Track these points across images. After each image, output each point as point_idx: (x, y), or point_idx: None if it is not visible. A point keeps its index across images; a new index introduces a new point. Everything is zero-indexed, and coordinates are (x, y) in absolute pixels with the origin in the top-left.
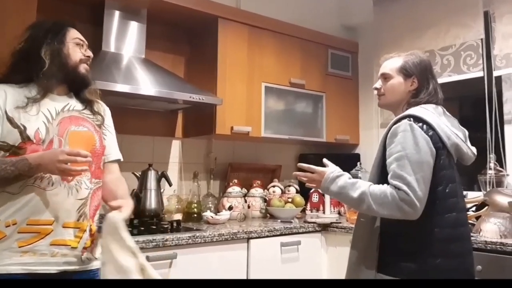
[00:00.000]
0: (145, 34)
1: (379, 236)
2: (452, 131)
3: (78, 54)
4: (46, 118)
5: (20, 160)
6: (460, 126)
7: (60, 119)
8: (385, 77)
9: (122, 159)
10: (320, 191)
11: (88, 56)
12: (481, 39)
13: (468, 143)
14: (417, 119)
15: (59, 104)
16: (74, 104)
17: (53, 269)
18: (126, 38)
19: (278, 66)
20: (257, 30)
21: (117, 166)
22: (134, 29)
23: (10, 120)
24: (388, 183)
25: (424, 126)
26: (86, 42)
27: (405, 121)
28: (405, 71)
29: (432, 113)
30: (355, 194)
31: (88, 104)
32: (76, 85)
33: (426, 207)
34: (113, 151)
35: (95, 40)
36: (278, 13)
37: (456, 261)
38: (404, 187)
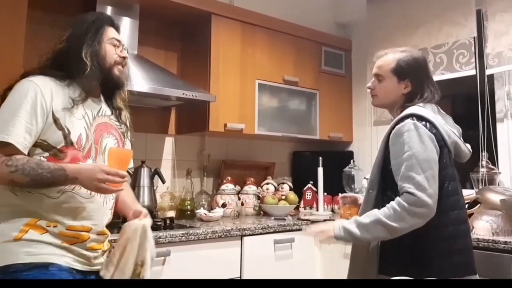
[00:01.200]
0: (138, 30)
1: None
2: (449, 129)
3: (113, 56)
4: (86, 123)
5: (58, 169)
6: (454, 124)
7: (96, 125)
8: (378, 78)
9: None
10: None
11: (124, 57)
12: (474, 38)
13: (462, 140)
14: (419, 118)
15: (94, 109)
16: (105, 108)
17: (87, 268)
18: (119, 34)
19: (272, 63)
20: (251, 26)
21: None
22: (127, 24)
23: (56, 120)
24: (389, 181)
25: (428, 125)
26: (123, 42)
27: (409, 120)
28: (398, 73)
29: (430, 112)
30: (367, 220)
31: (115, 110)
32: (109, 87)
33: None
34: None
35: None
36: (271, 10)
37: (460, 258)
38: (412, 189)
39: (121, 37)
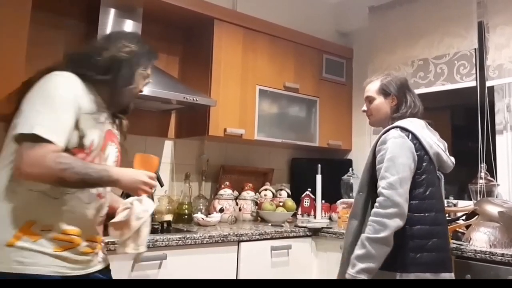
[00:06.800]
0: (140, 33)
1: None
2: (434, 141)
3: (139, 90)
4: (100, 130)
5: (103, 169)
6: (440, 139)
7: (105, 131)
8: (369, 100)
9: None
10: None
11: (141, 91)
12: (475, 49)
13: (447, 153)
14: (403, 129)
15: (106, 117)
16: (109, 115)
17: (83, 272)
18: None
19: (273, 70)
20: (253, 32)
21: None
22: (129, 27)
23: (77, 121)
24: (376, 184)
25: (410, 135)
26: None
27: (393, 130)
28: (383, 91)
29: (416, 125)
30: (362, 250)
31: (119, 120)
32: (118, 108)
33: (408, 207)
34: None
35: (90, 38)
36: (274, 17)
37: (431, 255)
38: (384, 189)
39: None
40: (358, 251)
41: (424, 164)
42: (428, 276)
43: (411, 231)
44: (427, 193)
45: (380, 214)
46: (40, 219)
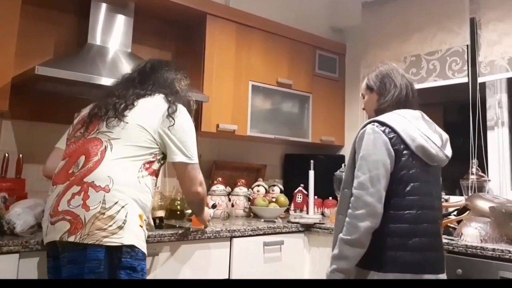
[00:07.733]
0: (132, 28)
1: None
2: (423, 133)
3: None
4: None
5: None
6: (437, 130)
7: None
8: (363, 97)
9: None
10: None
11: None
12: (467, 45)
13: (448, 146)
14: (380, 123)
15: None
16: None
17: None
18: (113, 31)
19: (266, 65)
20: (246, 28)
21: None
22: (121, 22)
23: None
24: None
25: (386, 129)
26: None
27: (369, 125)
28: (368, 87)
29: (404, 117)
30: (336, 250)
31: None
32: None
33: (386, 204)
34: None
35: (81, 32)
36: (267, 12)
37: (413, 255)
38: (355, 189)
39: None
40: (334, 251)
41: (403, 159)
42: (408, 277)
43: (389, 229)
44: (408, 189)
45: (351, 215)
46: (145, 211)
